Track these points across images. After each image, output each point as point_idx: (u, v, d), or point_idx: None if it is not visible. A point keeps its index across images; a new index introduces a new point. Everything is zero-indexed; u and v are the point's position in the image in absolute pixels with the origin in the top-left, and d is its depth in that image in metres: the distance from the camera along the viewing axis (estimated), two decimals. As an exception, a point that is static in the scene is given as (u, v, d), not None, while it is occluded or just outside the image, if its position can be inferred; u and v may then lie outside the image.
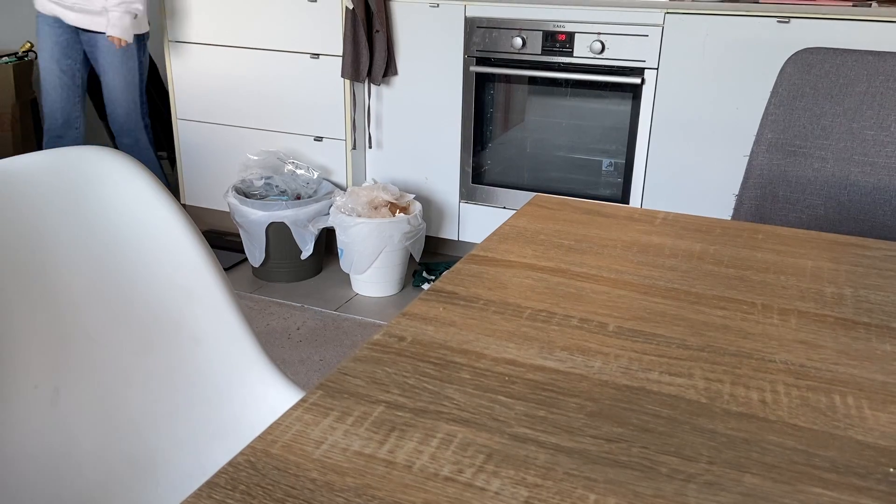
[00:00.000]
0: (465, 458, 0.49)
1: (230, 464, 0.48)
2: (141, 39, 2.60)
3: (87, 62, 2.64)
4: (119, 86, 2.59)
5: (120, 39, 2.49)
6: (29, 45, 3.23)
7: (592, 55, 2.32)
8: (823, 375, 0.61)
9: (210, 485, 0.46)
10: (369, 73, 2.54)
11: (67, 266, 0.90)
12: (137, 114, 2.67)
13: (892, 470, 0.49)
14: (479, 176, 2.61)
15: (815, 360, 0.63)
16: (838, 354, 0.64)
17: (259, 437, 0.50)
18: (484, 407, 0.55)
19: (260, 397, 0.98)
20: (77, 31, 2.54)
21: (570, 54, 2.35)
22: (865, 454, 0.51)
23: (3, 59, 3.08)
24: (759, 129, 1.44)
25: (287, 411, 0.53)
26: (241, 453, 0.49)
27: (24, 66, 3.14)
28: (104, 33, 2.53)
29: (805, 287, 0.78)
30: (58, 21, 2.52)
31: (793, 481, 0.48)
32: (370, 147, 2.71)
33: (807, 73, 1.44)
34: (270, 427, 0.51)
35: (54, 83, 2.58)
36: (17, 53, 3.16)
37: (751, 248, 0.88)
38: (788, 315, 0.71)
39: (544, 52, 2.37)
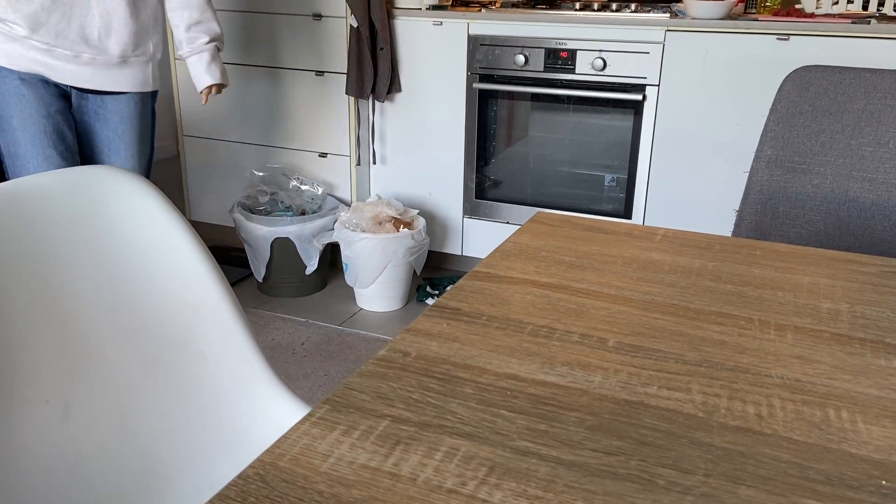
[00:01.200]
0: (468, 470, 0.50)
1: (240, 476, 0.49)
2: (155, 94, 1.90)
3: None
4: (130, 161, 1.84)
5: (220, 86, 1.90)
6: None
7: (594, 72, 2.35)
8: (818, 390, 0.62)
9: (221, 497, 0.47)
10: (373, 90, 2.57)
11: (78, 283, 0.91)
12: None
13: (884, 483, 0.51)
14: (482, 191, 2.63)
15: (810, 375, 0.64)
16: (833, 369, 0.65)
17: (268, 450, 0.52)
18: (486, 421, 0.56)
19: (266, 412, 0.99)
20: (69, 97, 1.72)
21: (572, 71, 2.37)
22: (859, 467, 0.52)
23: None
24: (758, 146, 1.46)
25: (295, 425, 0.55)
26: (251, 466, 0.50)
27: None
28: (123, 93, 1.76)
29: (802, 303, 0.79)
30: (41, 83, 1.64)
31: (787, 493, 0.49)
32: (374, 163, 2.74)
33: (805, 90, 1.46)
34: (279, 441, 0.53)
35: None
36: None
37: (749, 264, 0.89)
38: (785, 330, 0.72)
39: (546, 69, 2.40)
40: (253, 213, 2.56)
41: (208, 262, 0.99)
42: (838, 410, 0.59)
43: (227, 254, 2.95)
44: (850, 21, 2.10)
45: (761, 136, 1.45)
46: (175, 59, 2.84)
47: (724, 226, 2.33)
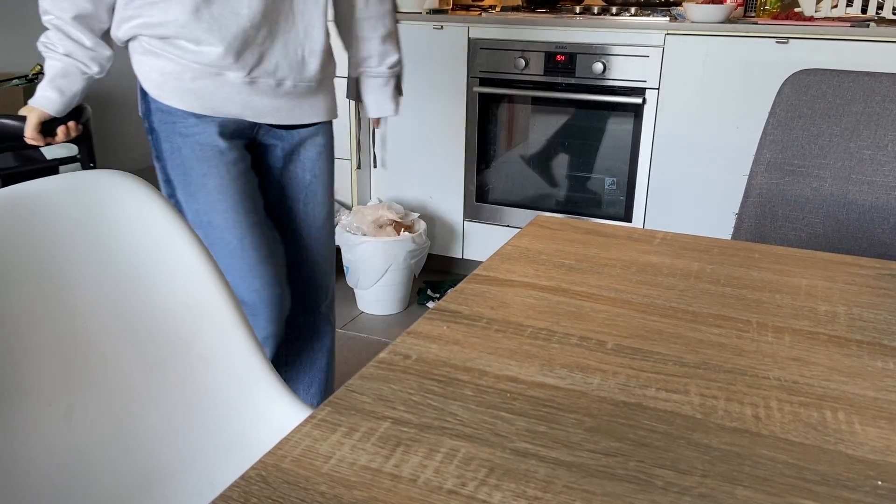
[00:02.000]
0: (468, 471, 0.51)
1: (242, 478, 0.50)
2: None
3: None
4: (328, 206, 1.49)
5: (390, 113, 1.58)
6: (39, 67, 3.28)
7: (594, 76, 2.36)
8: (815, 391, 0.62)
9: (224, 498, 0.48)
10: (374, 94, 2.57)
11: (81, 286, 0.92)
12: (334, 258, 1.59)
13: (880, 483, 0.51)
14: (482, 195, 2.64)
15: (807, 377, 0.65)
16: (830, 371, 0.66)
17: (270, 452, 0.52)
18: (486, 423, 0.57)
19: (267, 414, 1.00)
20: (254, 140, 1.39)
21: (573, 75, 2.38)
22: (855, 468, 0.53)
23: (13, 81, 3.14)
24: (757, 149, 1.46)
25: (296, 427, 0.55)
26: (253, 468, 0.51)
27: (34, 88, 3.19)
28: (315, 125, 1.43)
29: (799, 305, 0.79)
30: (235, 129, 1.32)
31: (784, 494, 0.50)
32: (375, 166, 2.75)
33: (804, 93, 1.47)
34: (281, 442, 0.53)
35: (254, 250, 1.33)
36: (28, 76, 3.21)
37: (747, 267, 0.90)
38: (782, 333, 0.73)
39: (546, 72, 2.41)
40: (254, 217, 2.56)
41: (211, 267, 1.00)
42: (835, 412, 0.60)
43: (229, 257, 2.95)
44: (849, 24, 2.11)
45: (760, 139, 1.46)
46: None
47: (723, 229, 2.33)
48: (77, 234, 0.93)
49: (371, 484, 0.49)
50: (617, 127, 2.40)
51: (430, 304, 2.60)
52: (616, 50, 2.31)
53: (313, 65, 1.35)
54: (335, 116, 1.49)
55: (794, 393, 0.62)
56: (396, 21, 1.54)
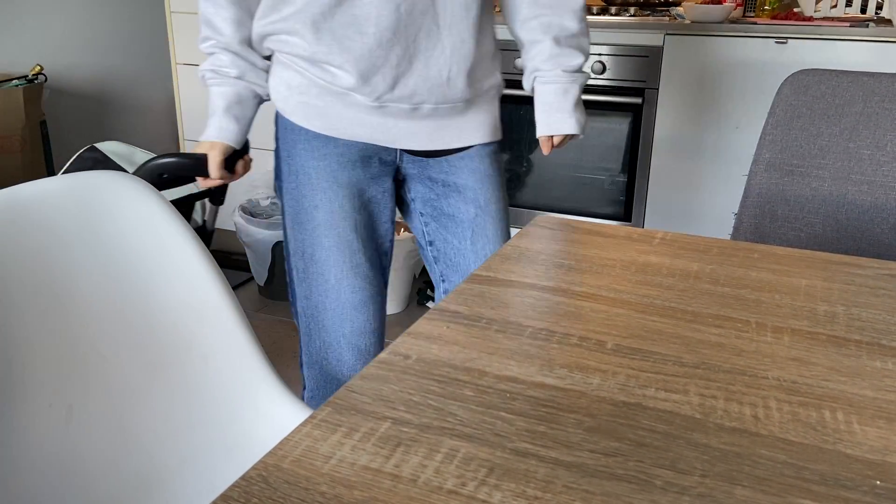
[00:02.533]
0: (468, 471, 0.51)
1: (243, 478, 0.50)
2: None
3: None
4: (501, 242, 1.27)
5: (571, 136, 1.27)
6: (39, 67, 3.28)
7: (593, 76, 2.36)
8: (814, 391, 0.63)
9: (224, 498, 0.48)
10: (374, 95, 2.57)
11: (81, 287, 0.92)
12: None
13: (878, 483, 0.51)
14: (482, 195, 2.63)
15: (806, 377, 0.65)
16: (829, 371, 0.66)
17: (270, 452, 0.53)
18: (486, 423, 0.57)
19: (268, 415, 1.00)
20: (395, 167, 1.24)
21: (572, 75, 2.38)
22: (854, 467, 0.53)
23: (13, 82, 3.14)
24: (757, 149, 1.47)
25: (297, 427, 0.55)
26: (254, 468, 0.51)
27: (34, 88, 3.19)
28: (470, 148, 1.23)
29: (799, 305, 0.80)
30: (360, 157, 1.19)
31: (783, 493, 0.50)
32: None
33: (803, 93, 1.47)
34: (281, 443, 0.54)
35: (352, 293, 1.21)
36: (27, 76, 3.22)
37: (746, 267, 0.90)
38: (782, 333, 0.73)
39: (546, 73, 2.41)
40: (254, 217, 2.57)
41: (210, 266, 1.00)
42: (834, 412, 0.60)
43: (229, 258, 2.96)
44: (848, 24, 2.11)
45: (760, 139, 1.46)
46: (175, 62, 2.84)
47: (723, 229, 2.34)
48: (77, 235, 0.93)
49: (371, 484, 0.50)
50: (616, 126, 2.40)
51: (430, 304, 2.60)
52: (615, 50, 2.31)
53: (460, 84, 1.15)
54: (497, 137, 1.27)
55: (794, 393, 0.62)
56: (583, 20, 1.24)
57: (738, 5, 2.46)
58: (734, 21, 2.28)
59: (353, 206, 1.19)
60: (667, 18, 2.38)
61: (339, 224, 1.18)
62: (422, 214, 1.27)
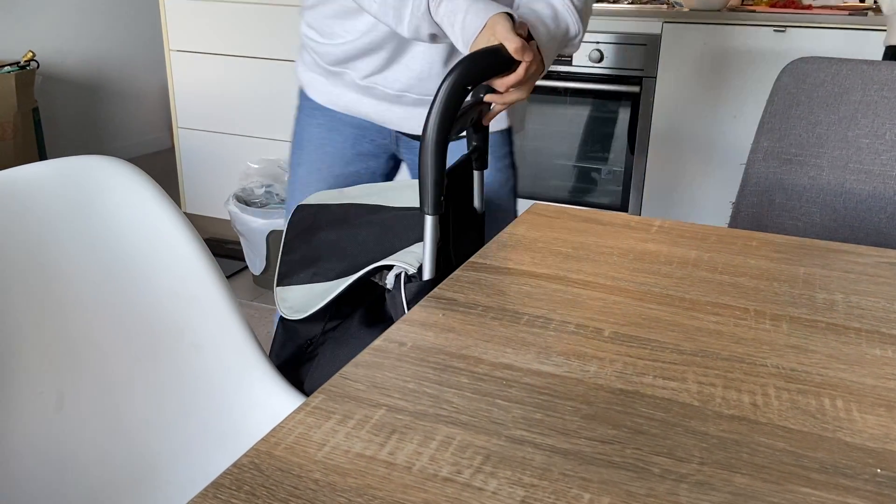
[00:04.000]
0: (463, 459, 0.50)
1: (235, 465, 0.49)
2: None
3: None
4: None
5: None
6: (31, 53, 3.25)
7: (591, 64, 2.34)
8: (814, 379, 0.62)
9: (216, 485, 0.47)
10: (369, 82, 2.55)
11: (72, 274, 0.91)
12: None
13: (879, 471, 0.51)
14: (478, 184, 2.62)
15: (805, 365, 0.64)
16: (828, 359, 0.65)
17: (263, 439, 0.52)
18: (482, 410, 0.56)
19: (261, 403, 0.99)
20: (390, 156, 1.30)
21: (569, 63, 2.37)
22: (853, 455, 0.52)
23: (5, 68, 3.11)
24: (755, 138, 1.46)
25: (290, 415, 0.54)
26: (246, 455, 0.50)
27: (26, 75, 3.17)
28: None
29: (797, 293, 0.79)
30: (360, 132, 1.26)
31: (781, 481, 0.49)
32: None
33: (802, 82, 1.46)
34: (274, 430, 0.53)
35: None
36: (19, 62, 3.18)
37: (745, 255, 0.89)
38: (780, 321, 0.72)
39: (543, 61, 2.40)
40: (248, 206, 2.56)
41: (203, 255, 0.99)
42: (833, 399, 0.59)
43: (223, 246, 2.95)
44: (847, 13, 2.10)
45: (758, 127, 1.45)
46: (169, 48, 2.82)
47: (720, 217, 2.33)
48: (68, 220, 0.92)
49: (365, 471, 0.49)
50: (614, 116, 2.39)
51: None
52: (613, 38, 2.30)
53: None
54: (503, 126, 1.27)
55: (793, 380, 0.62)
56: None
57: (736, -7, 2.44)
58: (733, 9, 2.27)
59: (332, 173, 1.25)
60: (665, 6, 2.36)
61: (313, 183, 1.25)
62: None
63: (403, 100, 1.20)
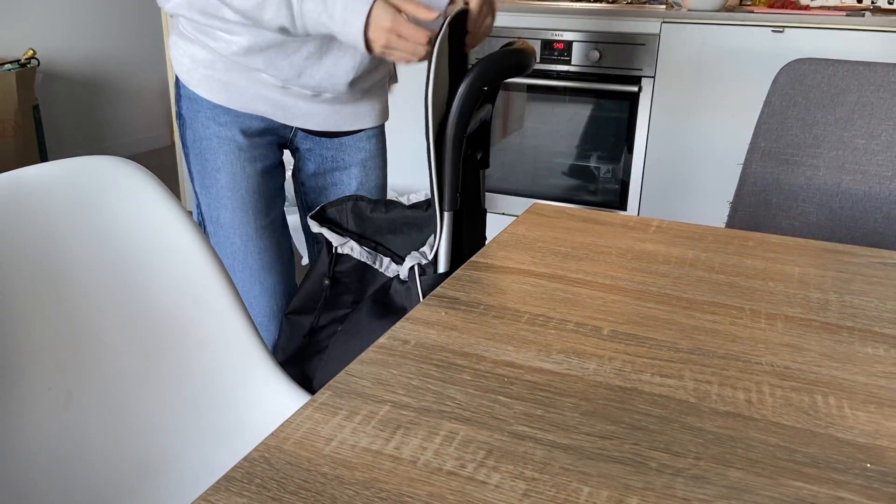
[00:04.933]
0: (466, 453, 0.52)
1: (246, 459, 0.50)
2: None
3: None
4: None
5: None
6: (32, 51, 3.26)
7: (590, 64, 2.36)
8: (807, 377, 0.64)
9: (227, 478, 0.49)
10: (369, 81, 2.56)
11: (79, 273, 0.92)
12: None
13: (868, 465, 0.52)
14: (478, 182, 2.64)
15: (799, 363, 0.66)
16: (821, 357, 0.67)
17: (272, 434, 0.53)
18: (484, 406, 0.58)
19: (266, 400, 1.01)
20: (286, 145, 1.35)
21: (568, 62, 2.38)
22: (845, 451, 0.54)
23: (6, 66, 3.12)
24: (752, 138, 1.47)
25: (298, 410, 0.56)
26: (256, 449, 0.52)
27: (27, 73, 3.17)
28: (368, 129, 1.34)
29: (792, 293, 0.81)
30: (262, 126, 1.26)
31: (775, 475, 0.51)
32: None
33: (799, 83, 1.48)
34: (283, 425, 0.54)
35: (258, 254, 1.28)
36: (20, 60, 3.19)
37: (741, 254, 0.91)
38: (775, 319, 0.74)
39: (542, 60, 2.41)
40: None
41: (207, 252, 1.00)
42: (825, 396, 0.61)
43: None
44: (844, 14, 2.11)
45: (755, 128, 1.47)
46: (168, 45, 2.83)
47: (718, 217, 2.35)
48: (75, 219, 0.93)
49: (372, 465, 0.50)
50: (612, 115, 2.41)
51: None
52: (612, 38, 2.31)
53: (361, 80, 1.24)
54: (385, 119, 1.37)
55: (786, 378, 0.63)
56: None
57: (734, -6, 2.46)
58: (731, 9, 2.28)
59: (255, 169, 1.26)
60: (663, 6, 2.37)
61: (240, 185, 1.25)
62: (308, 188, 1.39)
63: (317, 98, 1.24)
